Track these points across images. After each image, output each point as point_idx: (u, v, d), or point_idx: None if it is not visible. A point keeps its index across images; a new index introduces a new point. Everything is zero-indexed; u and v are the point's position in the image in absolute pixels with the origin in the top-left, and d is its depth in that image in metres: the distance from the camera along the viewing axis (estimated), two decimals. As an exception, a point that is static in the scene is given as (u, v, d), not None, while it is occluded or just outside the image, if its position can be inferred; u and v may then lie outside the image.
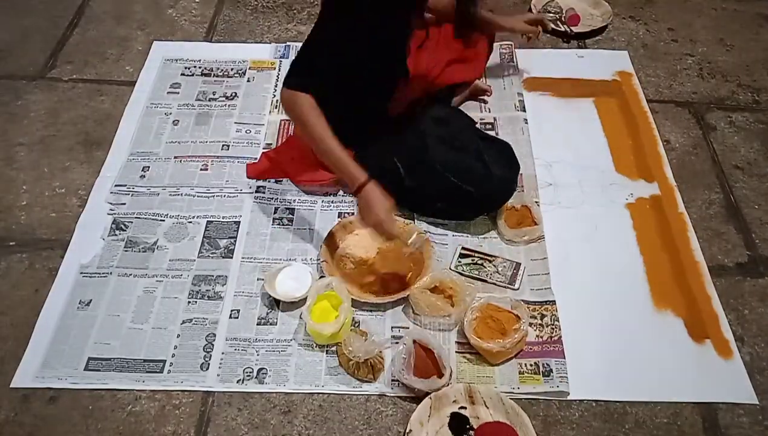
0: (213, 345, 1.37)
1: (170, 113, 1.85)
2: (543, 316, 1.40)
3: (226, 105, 1.87)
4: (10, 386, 1.30)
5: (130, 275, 1.48)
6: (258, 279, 1.47)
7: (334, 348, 1.36)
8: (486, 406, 1.25)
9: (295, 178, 1.65)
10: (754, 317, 1.45)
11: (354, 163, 1.36)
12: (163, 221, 1.58)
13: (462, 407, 1.25)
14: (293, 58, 1.40)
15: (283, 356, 1.35)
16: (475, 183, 1.49)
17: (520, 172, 1.60)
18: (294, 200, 1.63)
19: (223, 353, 1.36)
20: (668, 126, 1.86)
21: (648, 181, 1.70)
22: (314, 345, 1.37)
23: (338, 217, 1.59)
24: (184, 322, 1.40)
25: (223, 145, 1.76)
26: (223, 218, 1.59)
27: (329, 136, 1.33)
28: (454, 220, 1.58)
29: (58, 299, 1.43)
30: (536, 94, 1.93)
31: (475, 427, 1.23)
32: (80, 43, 2.06)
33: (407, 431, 1.20)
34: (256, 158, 1.71)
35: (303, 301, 1.41)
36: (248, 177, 1.67)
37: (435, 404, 1.25)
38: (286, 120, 1.80)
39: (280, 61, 2.01)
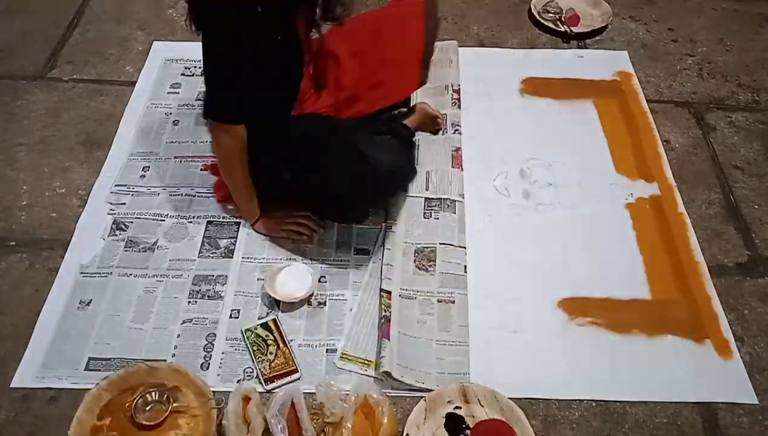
0: (213, 345, 1.37)
1: (170, 113, 1.85)
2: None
3: (226, 105, 1.87)
4: (10, 386, 1.30)
5: (131, 274, 1.48)
6: (258, 279, 1.47)
7: (334, 348, 1.36)
8: (480, 404, 1.26)
9: None
10: (754, 317, 1.45)
11: (253, 201, 1.50)
12: (164, 220, 1.58)
13: (457, 407, 1.25)
14: (206, 90, 1.35)
15: (283, 356, 1.36)
16: (353, 169, 1.39)
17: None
18: (294, 200, 1.63)
19: (223, 353, 1.36)
20: (668, 126, 1.87)
21: (648, 182, 1.70)
22: (314, 345, 1.37)
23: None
24: (184, 322, 1.40)
25: (223, 145, 1.76)
26: (224, 217, 1.59)
27: (246, 173, 1.44)
28: (342, 221, 1.56)
29: (58, 299, 1.43)
30: (536, 94, 1.93)
31: (471, 426, 1.23)
32: (80, 43, 2.06)
33: (404, 434, 1.20)
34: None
35: (303, 301, 1.42)
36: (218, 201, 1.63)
37: (429, 405, 1.25)
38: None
39: (280, 61, 2.00)
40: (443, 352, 1.36)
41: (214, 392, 1.30)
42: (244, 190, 1.49)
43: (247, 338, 1.36)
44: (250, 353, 1.34)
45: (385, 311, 1.39)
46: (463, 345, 1.37)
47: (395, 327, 1.37)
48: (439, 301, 1.44)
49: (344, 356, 1.35)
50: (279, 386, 1.27)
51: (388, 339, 1.33)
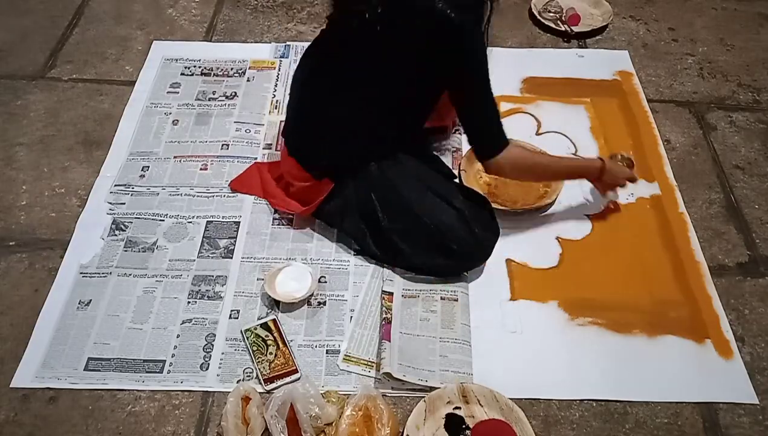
0: (213, 345, 1.37)
1: (170, 113, 1.84)
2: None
3: (225, 105, 1.87)
4: (10, 386, 1.29)
5: (130, 275, 1.48)
6: (258, 279, 1.47)
7: (335, 348, 1.36)
8: (480, 404, 1.25)
9: (270, 200, 1.60)
10: (755, 317, 1.45)
11: (582, 161, 1.57)
12: (163, 220, 1.58)
13: (456, 408, 1.25)
14: (477, 127, 1.34)
15: (283, 356, 1.35)
16: (457, 241, 1.38)
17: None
18: (294, 200, 1.63)
19: (223, 353, 1.35)
20: (668, 126, 1.86)
21: (648, 181, 1.70)
22: (314, 345, 1.37)
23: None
24: (183, 322, 1.40)
25: (222, 145, 1.76)
26: (223, 217, 1.59)
27: (551, 160, 1.53)
28: (429, 275, 1.46)
29: (58, 299, 1.43)
30: (536, 93, 1.93)
31: (470, 426, 1.23)
32: (80, 43, 2.06)
33: (404, 435, 1.20)
34: (255, 158, 1.72)
35: (303, 301, 1.42)
36: (232, 188, 1.64)
37: (429, 406, 1.24)
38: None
39: (280, 60, 2.00)
40: (446, 349, 1.36)
41: (213, 392, 1.30)
42: (560, 168, 1.51)
43: (247, 338, 1.35)
44: (249, 354, 1.34)
45: (386, 313, 1.39)
46: (466, 343, 1.37)
47: (397, 327, 1.37)
48: (442, 298, 1.44)
49: (347, 357, 1.35)
50: (279, 387, 1.27)
51: (389, 341, 1.33)
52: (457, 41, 1.22)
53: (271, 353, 1.33)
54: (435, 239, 1.39)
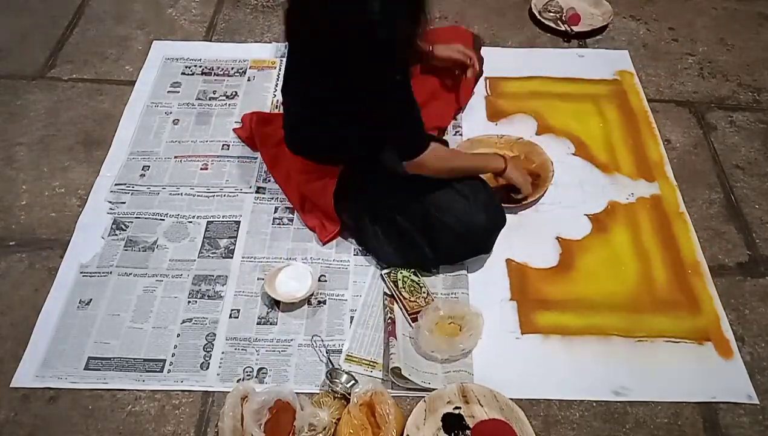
0: (213, 345, 1.37)
1: (170, 112, 1.84)
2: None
3: (226, 104, 1.87)
4: (10, 385, 1.30)
5: (130, 274, 1.48)
6: (258, 279, 1.47)
7: (335, 348, 1.36)
8: (480, 404, 1.25)
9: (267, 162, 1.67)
10: (755, 317, 1.45)
11: (489, 157, 1.57)
12: (163, 220, 1.58)
13: (456, 407, 1.25)
14: (396, 128, 1.35)
15: (283, 355, 1.35)
16: (456, 217, 1.40)
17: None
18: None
19: (223, 353, 1.36)
20: (669, 125, 1.86)
21: (648, 181, 1.70)
22: (314, 345, 1.37)
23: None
24: (184, 321, 1.40)
25: (223, 145, 1.76)
26: (224, 217, 1.59)
27: (462, 157, 1.55)
28: (438, 264, 1.49)
29: (58, 298, 1.43)
30: (536, 94, 1.93)
31: (470, 426, 1.23)
32: (80, 43, 2.06)
33: (404, 435, 1.20)
34: (255, 158, 1.72)
35: (303, 301, 1.42)
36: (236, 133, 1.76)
37: (429, 406, 1.24)
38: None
39: (281, 60, 2.00)
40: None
41: (213, 392, 1.30)
42: (470, 165, 1.51)
43: (397, 279, 1.44)
44: (394, 292, 1.42)
45: (390, 313, 1.39)
46: (466, 344, 1.37)
47: (400, 329, 1.37)
48: (443, 302, 1.43)
49: (349, 357, 1.35)
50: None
51: (395, 338, 1.33)
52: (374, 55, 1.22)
53: (422, 297, 1.43)
54: (437, 224, 1.40)
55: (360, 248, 1.53)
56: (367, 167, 1.45)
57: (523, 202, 1.60)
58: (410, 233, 1.44)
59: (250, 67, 1.98)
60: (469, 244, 1.45)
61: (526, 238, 1.57)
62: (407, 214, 1.44)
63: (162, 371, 1.32)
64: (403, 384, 1.29)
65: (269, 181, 1.66)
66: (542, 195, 1.63)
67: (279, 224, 1.58)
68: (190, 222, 1.58)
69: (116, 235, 1.55)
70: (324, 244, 1.53)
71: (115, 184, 1.65)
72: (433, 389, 1.28)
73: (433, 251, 1.44)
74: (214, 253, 1.52)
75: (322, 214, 1.53)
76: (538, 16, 2.17)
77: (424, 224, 1.42)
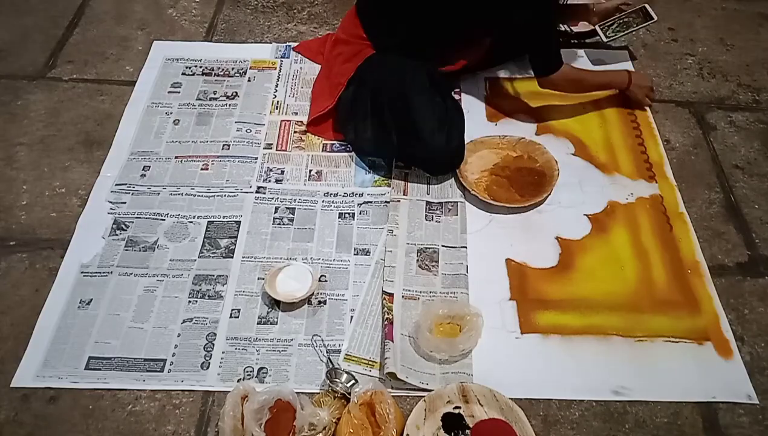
0: (213, 344, 1.37)
1: (171, 113, 1.85)
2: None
3: (226, 104, 1.87)
4: (11, 385, 1.30)
5: (131, 274, 1.48)
6: (258, 278, 1.47)
7: (335, 348, 1.36)
8: (480, 404, 1.26)
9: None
10: (755, 317, 1.45)
11: (613, 74, 1.86)
12: (164, 220, 1.58)
13: (456, 407, 1.25)
14: (535, 47, 1.68)
15: (283, 355, 1.35)
16: (417, 147, 1.60)
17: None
18: (294, 200, 1.63)
19: (223, 353, 1.36)
20: (668, 126, 1.86)
21: (648, 181, 1.70)
22: (315, 344, 1.37)
23: (338, 217, 1.59)
24: (184, 321, 1.40)
25: (223, 145, 1.76)
26: (224, 217, 1.59)
27: (589, 75, 1.82)
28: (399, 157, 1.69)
29: (59, 298, 1.43)
30: (535, 94, 1.93)
31: (470, 426, 1.23)
32: (80, 43, 2.06)
33: (404, 434, 1.20)
34: (256, 158, 1.72)
35: (303, 301, 1.42)
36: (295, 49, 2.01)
37: (429, 406, 1.24)
38: (286, 120, 1.81)
39: (281, 60, 2.01)
40: (446, 351, 1.36)
41: (213, 391, 1.30)
42: (596, 80, 1.82)
43: None
44: None
45: (388, 314, 1.39)
46: (465, 345, 1.37)
47: (398, 329, 1.37)
48: (442, 301, 1.44)
49: (348, 357, 1.35)
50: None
51: (392, 341, 1.33)
52: None
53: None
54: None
55: (341, 135, 1.73)
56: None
57: (530, 203, 1.60)
58: (390, 129, 1.60)
59: (250, 68, 1.98)
60: (427, 160, 1.64)
61: (525, 238, 1.57)
62: (394, 111, 1.60)
63: (162, 371, 1.33)
64: (401, 385, 1.30)
65: (269, 181, 1.67)
66: (549, 194, 1.63)
67: (279, 223, 1.58)
68: (191, 222, 1.58)
69: (117, 235, 1.55)
70: (309, 122, 1.77)
71: (116, 185, 1.65)
72: (431, 390, 1.28)
73: (399, 146, 1.61)
74: (215, 253, 1.53)
75: (329, 90, 1.73)
76: (538, 17, 2.17)
77: (404, 125, 1.58)
